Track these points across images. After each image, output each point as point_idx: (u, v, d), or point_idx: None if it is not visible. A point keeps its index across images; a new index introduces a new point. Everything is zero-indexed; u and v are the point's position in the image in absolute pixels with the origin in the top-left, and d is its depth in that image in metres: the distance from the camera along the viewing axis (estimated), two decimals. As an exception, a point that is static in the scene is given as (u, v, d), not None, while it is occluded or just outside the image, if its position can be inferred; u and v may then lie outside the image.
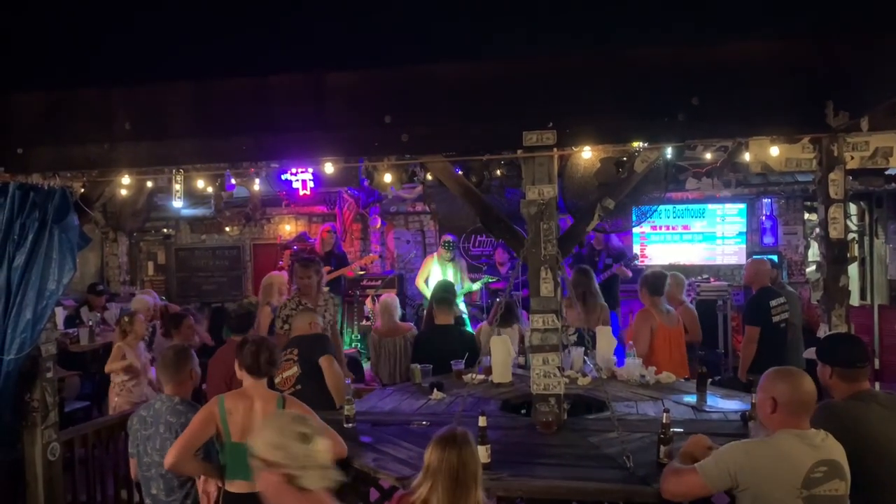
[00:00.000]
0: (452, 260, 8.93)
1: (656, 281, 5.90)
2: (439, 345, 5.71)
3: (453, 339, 5.76)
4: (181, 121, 4.35)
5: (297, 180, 9.85)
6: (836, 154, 3.81)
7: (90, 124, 4.40)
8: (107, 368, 6.06)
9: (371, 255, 10.24)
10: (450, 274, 8.76)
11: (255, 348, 3.62)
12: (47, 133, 4.45)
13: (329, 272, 9.12)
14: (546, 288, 3.92)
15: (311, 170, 9.57)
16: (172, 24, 4.17)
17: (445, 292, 6.36)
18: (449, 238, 9.01)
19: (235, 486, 3.51)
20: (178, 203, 10.29)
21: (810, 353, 3.36)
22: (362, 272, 10.04)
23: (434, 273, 8.91)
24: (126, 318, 6.18)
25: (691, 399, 4.46)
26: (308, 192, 10.00)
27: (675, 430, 3.45)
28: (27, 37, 4.38)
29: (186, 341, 5.95)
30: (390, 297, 7.14)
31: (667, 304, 5.96)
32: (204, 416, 3.52)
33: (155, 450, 3.72)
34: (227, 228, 11.64)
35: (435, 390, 4.77)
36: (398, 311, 7.01)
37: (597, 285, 6.77)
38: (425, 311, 7.14)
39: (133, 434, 3.87)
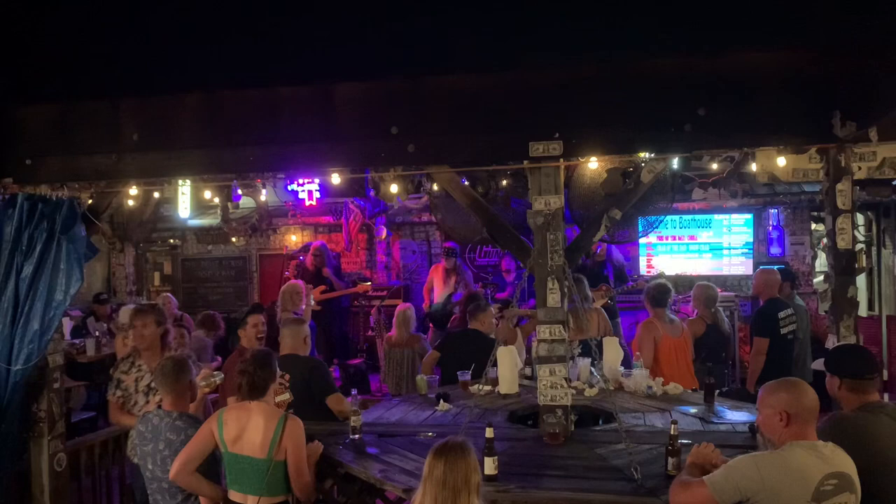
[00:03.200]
0: (455, 269, 8.94)
1: (659, 293, 5.89)
2: (463, 348, 5.69)
3: (477, 344, 5.69)
4: (189, 132, 4.37)
5: (304, 191, 9.87)
6: (843, 164, 3.79)
7: (98, 135, 4.43)
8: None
9: (363, 284, 10.13)
10: (452, 283, 8.77)
11: (240, 370, 3.63)
12: (55, 144, 4.48)
13: (323, 292, 9.12)
14: (553, 299, 3.91)
15: (317, 180, 9.58)
16: (181, 35, 4.20)
17: (478, 298, 6.37)
18: (450, 247, 9.04)
19: (232, 496, 3.56)
20: (184, 214, 10.44)
21: (819, 364, 3.34)
22: (367, 282, 10.04)
23: (437, 282, 8.93)
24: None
25: (699, 410, 4.43)
26: (314, 203, 10.02)
27: (683, 441, 3.43)
28: (36, 49, 4.41)
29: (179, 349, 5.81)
30: (407, 307, 7.14)
31: (671, 315, 5.94)
32: (204, 432, 3.57)
33: (156, 465, 3.69)
34: (234, 239, 11.65)
35: (441, 401, 4.75)
36: (413, 322, 7.02)
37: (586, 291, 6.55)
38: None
39: (134, 449, 3.88)
